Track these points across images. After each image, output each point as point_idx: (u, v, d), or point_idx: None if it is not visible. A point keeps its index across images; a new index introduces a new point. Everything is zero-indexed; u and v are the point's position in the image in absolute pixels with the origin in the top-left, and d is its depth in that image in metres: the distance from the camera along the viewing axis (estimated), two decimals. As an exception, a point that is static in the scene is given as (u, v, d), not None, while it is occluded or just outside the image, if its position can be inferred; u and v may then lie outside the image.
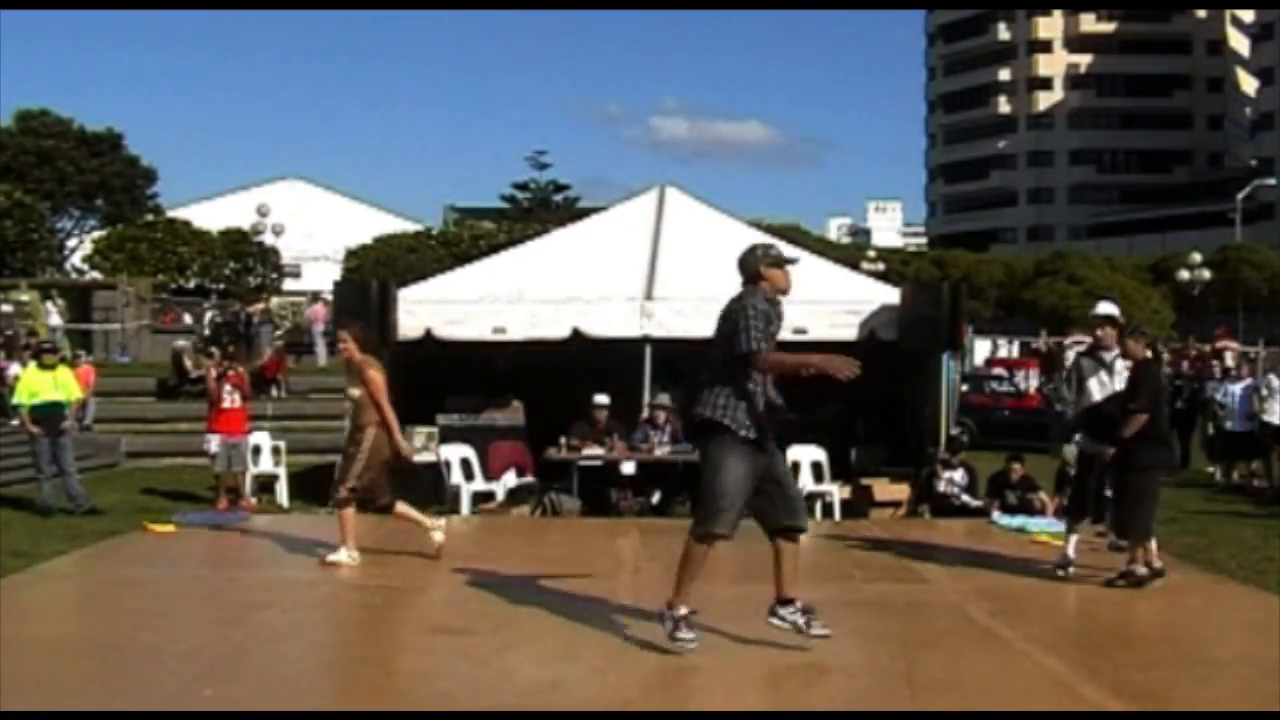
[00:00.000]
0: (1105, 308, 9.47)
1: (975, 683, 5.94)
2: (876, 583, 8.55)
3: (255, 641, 6.72)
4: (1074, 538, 8.79)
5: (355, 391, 8.91)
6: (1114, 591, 8.14)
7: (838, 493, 12.19)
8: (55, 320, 25.86)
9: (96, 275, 37.22)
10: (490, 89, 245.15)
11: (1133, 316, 50.45)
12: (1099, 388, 8.94)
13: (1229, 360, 17.98)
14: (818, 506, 12.04)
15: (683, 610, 6.19)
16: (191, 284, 39.78)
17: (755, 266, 6.23)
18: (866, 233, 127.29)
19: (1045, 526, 10.72)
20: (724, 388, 6.11)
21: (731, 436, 6.07)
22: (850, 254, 52.59)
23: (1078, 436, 9.51)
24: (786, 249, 6.87)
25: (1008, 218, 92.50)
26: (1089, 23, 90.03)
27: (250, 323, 25.50)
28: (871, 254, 56.12)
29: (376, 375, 9.00)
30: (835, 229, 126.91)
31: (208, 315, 31.08)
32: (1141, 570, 8.15)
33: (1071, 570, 8.61)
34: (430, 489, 12.39)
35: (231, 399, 12.70)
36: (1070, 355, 15.24)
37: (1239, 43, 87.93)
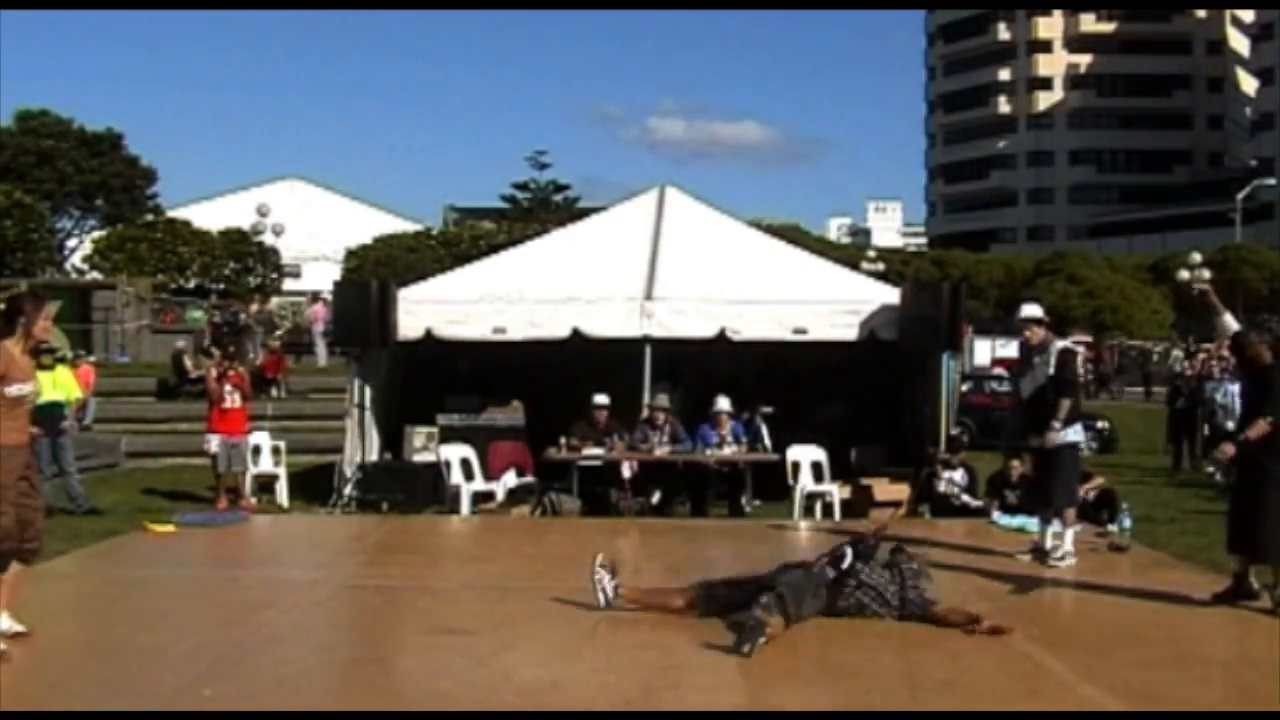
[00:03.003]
0: (1030, 310, 9.49)
1: (975, 683, 5.94)
2: (876, 583, 8.51)
3: (255, 641, 6.72)
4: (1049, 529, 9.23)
5: (30, 387, 6.66)
6: (1114, 591, 8.14)
7: (838, 493, 12.17)
8: None
9: (96, 275, 37.15)
10: (489, 89, 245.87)
11: (1132, 316, 49.41)
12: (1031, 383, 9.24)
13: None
14: (818, 506, 12.06)
15: None
16: (191, 284, 39.72)
17: None
18: (866, 233, 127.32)
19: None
20: None
21: None
22: (850, 254, 52.65)
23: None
24: None
25: (1008, 218, 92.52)
26: (1089, 23, 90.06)
27: (234, 325, 25.38)
28: (871, 254, 56.17)
29: None
30: (835, 229, 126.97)
31: (202, 314, 30.97)
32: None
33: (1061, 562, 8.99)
34: (430, 489, 12.42)
35: (232, 399, 12.70)
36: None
37: (1239, 43, 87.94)
